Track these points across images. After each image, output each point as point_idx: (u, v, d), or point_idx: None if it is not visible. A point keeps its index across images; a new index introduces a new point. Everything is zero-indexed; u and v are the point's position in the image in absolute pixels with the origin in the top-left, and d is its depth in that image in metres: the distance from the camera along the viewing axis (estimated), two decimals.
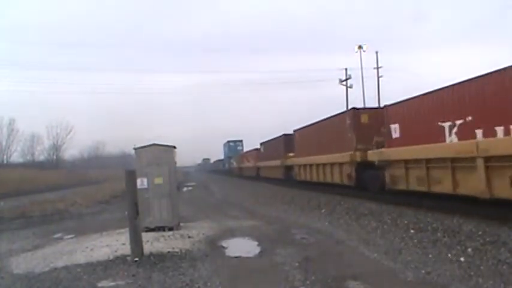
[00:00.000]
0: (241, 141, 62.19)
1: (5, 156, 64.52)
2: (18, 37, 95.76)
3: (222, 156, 77.40)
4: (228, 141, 64.64)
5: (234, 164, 53.01)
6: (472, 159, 8.89)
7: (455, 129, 9.71)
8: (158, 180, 9.71)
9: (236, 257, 7.15)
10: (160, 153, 9.90)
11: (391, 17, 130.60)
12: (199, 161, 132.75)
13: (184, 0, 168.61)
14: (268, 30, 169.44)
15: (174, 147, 10.36)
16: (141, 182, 9.36)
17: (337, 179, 16.80)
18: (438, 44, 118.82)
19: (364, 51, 39.75)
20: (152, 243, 8.15)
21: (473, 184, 8.93)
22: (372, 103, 44.17)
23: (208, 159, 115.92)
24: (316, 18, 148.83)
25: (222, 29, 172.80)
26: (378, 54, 40.08)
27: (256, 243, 8.22)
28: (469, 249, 6.60)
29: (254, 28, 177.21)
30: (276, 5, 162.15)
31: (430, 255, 6.53)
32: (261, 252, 7.43)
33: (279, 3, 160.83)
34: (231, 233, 9.49)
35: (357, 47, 39.65)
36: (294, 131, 23.60)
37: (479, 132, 8.89)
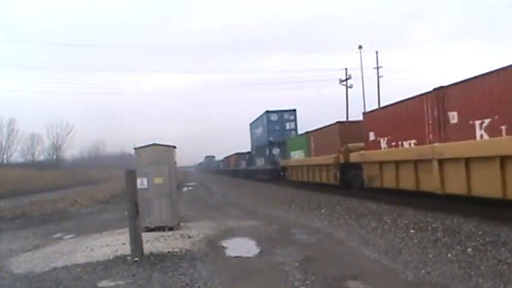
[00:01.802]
0: (294, 111, 30.75)
1: (5, 156, 64.67)
2: (18, 37, 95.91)
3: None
4: (267, 112, 30.90)
5: (301, 156, 22.58)
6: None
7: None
8: (158, 180, 9.70)
9: (236, 257, 7.15)
10: (160, 153, 9.90)
11: (391, 16, 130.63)
12: (201, 160, 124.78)
13: (184, 0, 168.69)
14: (268, 30, 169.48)
15: (174, 147, 10.35)
16: (141, 182, 9.36)
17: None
18: (438, 43, 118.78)
19: (364, 52, 39.49)
20: (152, 243, 8.15)
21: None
22: (372, 102, 44.20)
23: (212, 156, 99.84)
24: (316, 19, 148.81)
25: (221, 29, 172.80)
26: (378, 54, 40.09)
27: (256, 243, 8.22)
28: (469, 249, 6.59)
29: (254, 28, 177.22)
30: (276, 5, 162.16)
31: (430, 255, 6.52)
32: (261, 252, 7.43)
33: (279, 3, 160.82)
34: (231, 233, 9.49)
35: (357, 47, 39.62)
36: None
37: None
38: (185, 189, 30.73)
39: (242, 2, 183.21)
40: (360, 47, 39.64)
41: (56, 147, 71.91)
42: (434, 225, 8.50)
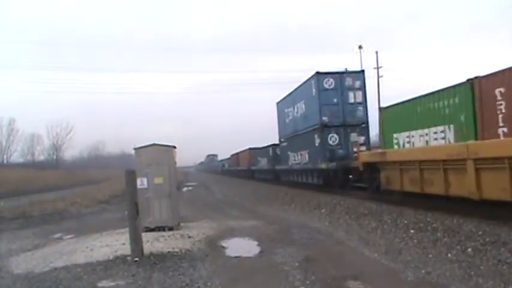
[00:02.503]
0: (361, 72, 18.35)
1: (5, 156, 64.72)
2: (18, 37, 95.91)
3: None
4: (319, 75, 17.81)
5: (441, 138, 10.55)
6: None
7: None
8: (158, 180, 9.70)
9: (236, 257, 7.15)
10: (160, 153, 9.89)
11: (391, 17, 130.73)
12: (201, 159, 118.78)
13: (183, 1, 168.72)
14: (268, 30, 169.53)
15: (174, 147, 10.36)
16: (141, 182, 9.36)
17: None
18: (438, 43, 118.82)
19: (364, 52, 38.80)
20: (152, 243, 8.15)
21: None
22: (372, 102, 43.82)
23: (214, 155, 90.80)
24: (317, 18, 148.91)
25: (221, 29, 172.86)
26: (378, 54, 39.90)
27: (256, 243, 8.22)
28: (469, 249, 6.59)
29: (254, 28, 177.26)
30: (276, 5, 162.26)
31: (430, 255, 6.52)
32: (261, 252, 7.43)
33: (279, 3, 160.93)
34: (231, 233, 9.49)
35: (357, 47, 39.43)
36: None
37: None
38: (185, 189, 30.73)
39: (242, 2, 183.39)
40: (360, 47, 39.42)
41: (56, 148, 72.02)
42: (434, 225, 8.50)
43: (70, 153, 77.57)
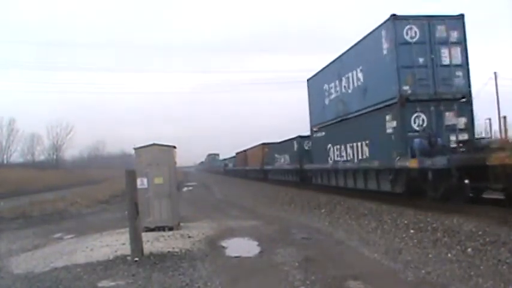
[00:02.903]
0: (460, 18, 11.33)
1: (5, 156, 64.54)
2: (18, 37, 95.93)
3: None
4: (396, 20, 11.08)
5: None
6: None
7: None
8: (158, 180, 9.71)
9: (236, 257, 7.16)
10: (160, 153, 9.91)
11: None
12: (202, 159, 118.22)
13: (183, 1, 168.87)
14: (268, 30, 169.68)
15: (174, 147, 10.37)
16: (141, 182, 9.36)
17: None
18: None
19: None
20: (152, 243, 8.15)
21: None
22: None
23: (215, 154, 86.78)
24: (316, 18, 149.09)
25: (222, 29, 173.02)
26: None
27: (256, 243, 8.22)
28: (469, 249, 6.59)
29: (254, 28, 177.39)
30: (276, 5, 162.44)
31: (430, 255, 6.53)
32: (261, 252, 7.44)
33: (279, 3, 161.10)
34: (231, 233, 9.50)
35: None
36: None
37: None
38: (185, 189, 30.73)
39: (242, 2, 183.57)
40: None
41: (56, 148, 71.84)
42: (434, 225, 8.49)
43: (70, 153, 77.46)
